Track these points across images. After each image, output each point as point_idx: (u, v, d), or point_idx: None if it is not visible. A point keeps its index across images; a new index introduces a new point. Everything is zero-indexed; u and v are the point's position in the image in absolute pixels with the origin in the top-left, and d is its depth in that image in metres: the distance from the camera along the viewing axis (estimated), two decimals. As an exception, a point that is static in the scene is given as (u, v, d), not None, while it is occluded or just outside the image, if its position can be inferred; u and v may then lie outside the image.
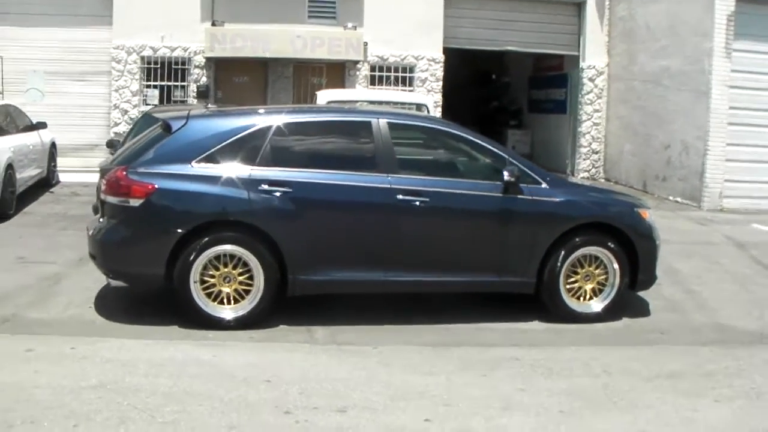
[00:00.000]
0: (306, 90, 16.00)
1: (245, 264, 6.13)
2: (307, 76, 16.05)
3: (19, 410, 4.35)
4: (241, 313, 6.12)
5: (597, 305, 6.88)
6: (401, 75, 16.78)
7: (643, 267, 6.91)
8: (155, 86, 15.27)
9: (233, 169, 6.12)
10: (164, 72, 15.30)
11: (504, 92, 23.05)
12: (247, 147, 6.20)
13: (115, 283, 6.17)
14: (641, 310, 7.29)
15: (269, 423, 4.42)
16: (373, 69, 16.52)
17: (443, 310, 6.93)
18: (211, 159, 6.12)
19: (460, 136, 6.76)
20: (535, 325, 6.75)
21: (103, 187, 6.23)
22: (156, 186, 5.96)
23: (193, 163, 6.09)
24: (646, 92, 15.83)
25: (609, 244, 6.78)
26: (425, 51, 16.73)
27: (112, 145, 10.52)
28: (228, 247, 6.08)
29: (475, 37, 17.17)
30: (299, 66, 15.87)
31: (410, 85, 16.77)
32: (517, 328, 6.67)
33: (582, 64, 17.63)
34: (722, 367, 5.87)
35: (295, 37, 14.55)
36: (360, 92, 14.30)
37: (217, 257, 6.10)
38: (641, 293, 7.39)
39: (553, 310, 6.79)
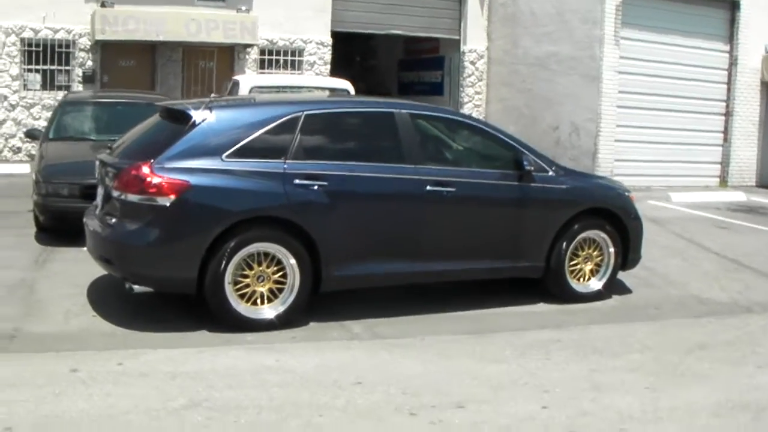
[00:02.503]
0: (196, 74, 15.30)
1: (279, 262, 5.81)
2: (196, 59, 15.32)
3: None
4: (281, 309, 5.80)
5: (596, 284, 7.17)
6: (290, 59, 16.44)
7: (633, 247, 7.30)
8: (37, 70, 13.93)
9: (266, 162, 5.76)
10: (46, 55, 14.00)
11: (370, 75, 23.17)
12: (278, 139, 5.86)
13: (139, 289, 5.62)
14: (620, 288, 7.64)
15: (407, 426, 4.25)
16: (262, 53, 16.07)
17: (447, 298, 6.92)
18: (241, 152, 5.72)
19: (476, 126, 6.81)
20: (544, 307, 6.92)
21: (117, 184, 5.65)
22: (190, 182, 5.50)
23: (224, 156, 5.67)
24: (532, 76, 16.49)
25: (606, 227, 7.08)
26: (314, 35, 16.49)
27: (33, 135, 9.58)
28: (264, 245, 5.73)
29: (362, 20, 17.17)
30: (189, 49, 15.11)
31: (299, 68, 16.50)
32: (531, 311, 6.82)
33: (463, 48, 18.07)
34: (734, 337, 6.33)
35: (189, 20, 13.83)
36: (283, 78, 13.86)
37: (250, 256, 5.74)
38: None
39: (558, 292, 7.00)
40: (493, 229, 6.63)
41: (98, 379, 4.69)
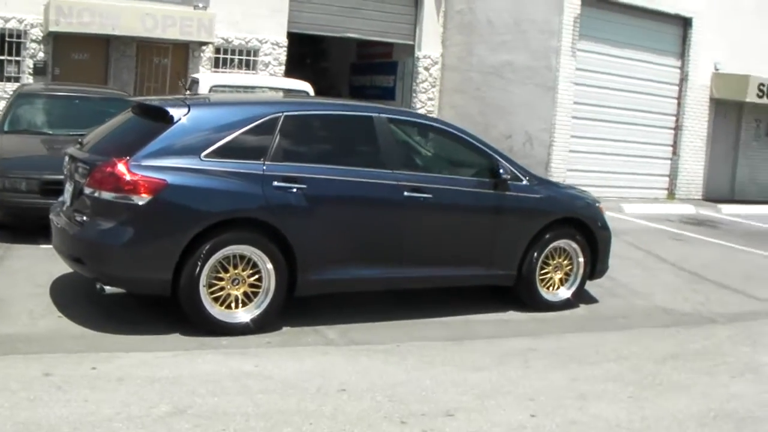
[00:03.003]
0: (151, 69, 14.93)
1: (254, 265, 5.67)
2: (151, 55, 14.95)
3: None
4: (256, 313, 5.66)
5: (565, 293, 7.21)
6: (245, 58, 16.20)
7: (602, 257, 7.38)
8: (-15, 61, 13.41)
9: (245, 163, 5.62)
10: (-5, 45, 13.49)
11: (321, 78, 23.02)
12: (257, 140, 5.72)
13: (110, 290, 5.41)
14: (587, 297, 7.70)
15: (399, 436, 4.17)
16: (218, 51, 15.78)
17: (418, 304, 6.86)
18: (220, 152, 5.56)
19: (453, 133, 6.76)
20: (515, 315, 6.94)
21: (90, 181, 5.43)
22: (167, 181, 5.32)
23: (202, 156, 5.50)
24: (486, 84, 16.60)
25: (577, 236, 7.13)
26: (270, 35, 16.28)
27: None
28: (240, 248, 5.58)
29: (317, 22, 17.02)
30: (143, 45, 14.73)
31: (254, 68, 16.26)
32: (503, 319, 6.82)
33: (417, 53, 18.09)
34: (702, 347, 6.44)
35: (145, 15, 13.47)
36: (243, 78, 13.62)
37: (226, 258, 5.58)
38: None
39: (528, 300, 7.03)
40: (469, 236, 6.61)
41: (73, 383, 4.48)
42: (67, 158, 6.07)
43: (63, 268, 6.82)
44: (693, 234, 12.53)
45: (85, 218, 5.50)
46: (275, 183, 5.64)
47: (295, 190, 5.71)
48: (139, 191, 5.25)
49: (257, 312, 5.68)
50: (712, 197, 16.89)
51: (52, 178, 7.70)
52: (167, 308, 5.83)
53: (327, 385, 4.79)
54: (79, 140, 6.25)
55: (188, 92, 12.14)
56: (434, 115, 18.21)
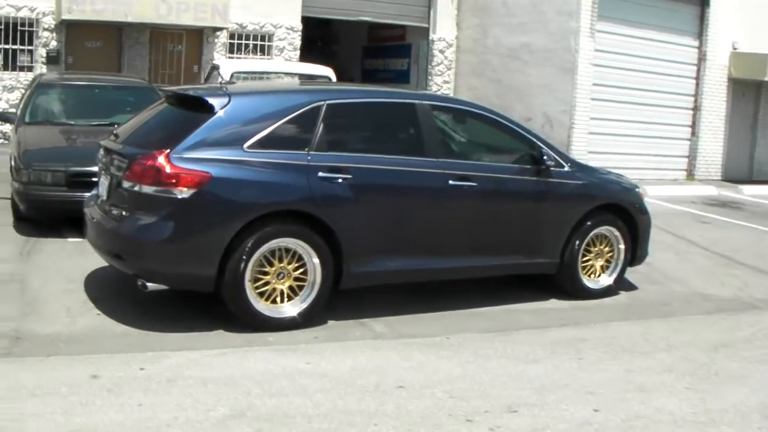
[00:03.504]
0: (164, 56, 14.75)
1: (299, 258, 5.53)
2: (164, 42, 14.75)
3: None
4: (303, 307, 5.52)
5: (607, 280, 7.07)
6: (260, 44, 16.00)
7: (642, 243, 7.23)
8: (-2, 49, 13.22)
9: (290, 153, 5.46)
10: (8, 34, 13.26)
11: (332, 62, 22.78)
12: (300, 130, 5.56)
13: (152, 287, 5.26)
14: (626, 284, 7.55)
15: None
16: (231, 37, 15.59)
17: (458, 295, 6.71)
18: (263, 143, 5.39)
19: (496, 120, 6.59)
20: (557, 304, 6.80)
21: (130, 174, 5.28)
22: (212, 174, 5.16)
23: (245, 147, 5.34)
24: (503, 66, 16.40)
25: (618, 223, 6.98)
26: (284, 19, 16.08)
27: (6, 118, 9.02)
28: (285, 240, 5.43)
29: (331, 5, 16.82)
30: (156, 32, 14.54)
31: (268, 53, 16.08)
32: (545, 308, 6.69)
33: (432, 36, 17.87)
34: (750, 334, 6.31)
35: (160, 2, 13.27)
36: (265, 63, 13.43)
37: (271, 252, 5.44)
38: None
39: (570, 288, 6.89)
40: (512, 225, 6.46)
41: (124, 386, 4.34)
42: (102, 150, 5.91)
43: (95, 262, 6.70)
44: (718, 216, 12.38)
45: (124, 213, 5.34)
46: (320, 174, 5.49)
47: (340, 180, 5.55)
48: (181, 184, 5.10)
49: (304, 306, 5.54)
50: (731, 178, 16.73)
51: (78, 170, 7.56)
52: (208, 303, 5.70)
53: (384, 382, 4.66)
54: (114, 131, 6.09)
55: (207, 80, 11.98)
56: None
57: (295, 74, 11.06)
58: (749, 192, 15.38)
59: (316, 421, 4.05)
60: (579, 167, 6.92)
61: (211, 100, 5.41)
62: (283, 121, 5.50)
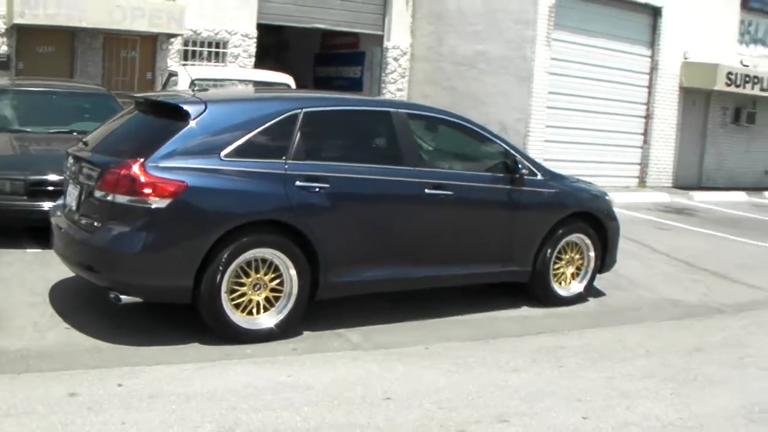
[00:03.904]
0: (118, 63, 14.41)
1: (276, 268, 5.42)
2: (118, 48, 14.42)
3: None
4: (280, 318, 5.40)
5: (577, 287, 7.11)
6: (215, 50, 15.77)
7: (611, 250, 7.30)
8: (-55, 54, 12.74)
9: (267, 162, 5.35)
10: (-46, 38, 12.83)
11: (284, 69, 22.60)
12: (277, 138, 5.45)
13: (126, 299, 5.08)
14: (594, 291, 7.60)
15: (464, 448, 3.99)
16: (186, 43, 15.32)
17: (429, 303, 6.65)
18: (240, 152, 5.27)
19: (470, 128, 6.58)
20: (530, 311, 6.81)
21: (102, 184, 5.10)
22: (188, 183, 5.01)
23: (222, 156, 5.21)
24: (458, 74, 16.45)
25: (589, 230, 7.03)
26: (239, 26, 15.88)
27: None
28: (262, 251, 5.31)
29: (286, 13, 16.65)
30: (110, 37, 14.19)
31: (223, 60, 15.85)
32: (519, 316, 6.69)
33: (386, 43, 17.85)
34: (722, 339, 6.41)
35: (114, 7, 12.95)
36: (224, 71, 13.20)
37: (247, 263, 5.31)
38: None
39: (542, 296, 6.91)
40: (487, 233, 6.46)
41: (104, 404, 4.17)
42: (70, 159, 5.70)
43: (58, 273, 6.50)
44: (675, 223, 12.60)
45: (95, 223, 5.16)
46: (298, 183, 5.39)
47: (317, 189, 5.46)
48: (157, 194, 4.94)
49: (281, 317, 5.43)
50: (681, 185, 17.08)
51: (38, 178, 7.31)
52: (181, 315, 5.55)
53: (370, 394, 4.57)
54: (83, 139, 5.88)
55: (164, 87, 11.74)
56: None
57: (256, 81, 10.90)
58: (699, 198, 15.72)
59: (308, 437, 3.95)
60: (551, 176, 6.95)
61: (186, 108, 5.27)
62: (260, 130, 5.39)
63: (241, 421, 4.07)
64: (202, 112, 5.26)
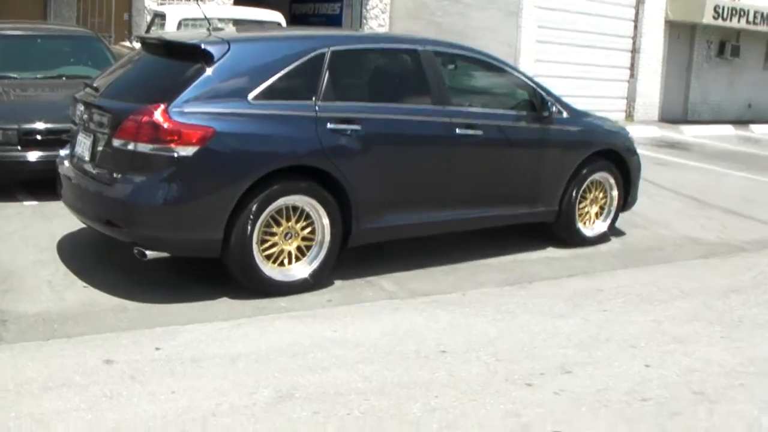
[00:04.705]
0: (93, 4, 13.68)
1: (307, 216, 5.11)
2: (92, -11, 13.69)
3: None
4: (313, 268, 5.12)
5: (601, 226, 6.94)
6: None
7: (633, 188, 7.11)
8: None
9: (297, 104, 4.99)
10: None
11: (258, 6, 21.87)
12: (305, 78, 5.07)
13: (151, 255, 4.75)
14: (614, 230, 7.43)
15: (536, 399, 3.77)
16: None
17: (457, 247, 6.42)
18: (268, 94, 4.89)
19: (497, 65, 6.26)
20: (556, 252, 6.63)
21: (122, 132, 4.70)
22: (216, 129, 4.64)
23: (250, 98, 4.84)
24: (442, 9, 15.97)
25: (613, 168, 6.83)
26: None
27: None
28: (293, 198, 4.99)
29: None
30: (82, -23, 13.46)
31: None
32: (547, 257, 6.51)
33: (368, -21, 17.26)
34: (753, 278, 6.28)
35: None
36: (212, 9, 12.53)
37: (278, 211, 5.00)
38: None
39: (567, 236, 6.72)
40: (516, 173, 6.21)
41: (146, 371, 3.86)
42: (80, 105, 5.26)
43: (61, 227, 6.17)
44: (671, 158, 12.48)
45: (114, 174, 4.77)
46: (329, 125, 5.04)
47: (349, 132, 5.13)
48: (184, 141, 4.56)
49: (314, 266, 5.14)
50: (667, 119, 16.95)
51: (31, 127, 6.85)
52: (198, 268, 5.26)
53: (424, 348, 4.34)
54: (91, 84, 5.44)
55: (149, 29, 11.15)
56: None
57: (245, 20, 10.37)
58: (689, 133, 15.62)
59: (374, 398, 3.70)
60: (575, 113, 6.69)
61: (209, 48, 4.85)
62: (288, 70, 5.00)
63: (298, 384, 3.81)
64: (225, 53, 4.86)
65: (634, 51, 16.37)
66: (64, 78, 7.90)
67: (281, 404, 3.59)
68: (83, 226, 6.00)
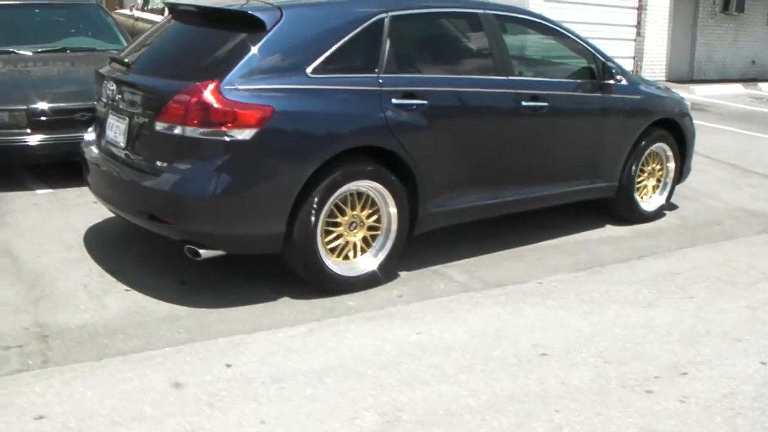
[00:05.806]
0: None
1: (373, 203, 4.61)
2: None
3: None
4: (380, 260, 4.65)
5: (659, 200, 6.53)
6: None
7: (688, 159, 6.70)
8: None
9: (360, 78, 4.45)
10: None
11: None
12: (366, 47, 4.53)
13: (206, 254, 4.22)
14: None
15: (659, 409, 3.36)
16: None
17: (514, 229, 5.95)
18: (328, 66, 4.34)
19: (557, 30, 5.75)
20: (616, 230, 6.19)
21: (165, 114, 4.14)
22: (275, 108, 4.10)
23: (309, 72, 4.29)
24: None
25: (670, 139, 6.39)
26: None
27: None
28: (358, 183, 4.48)
29: None
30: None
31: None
32: (609, 236, 6.07)
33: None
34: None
35: None
36: None
37: (343, 199, 4.49)
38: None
39: (626, 212, 6.30)
40: (579, 147, 5.74)
41: (223, 396, 3.37)
42: (109, 83, 4.67)
43: (84, 219, 5.68)
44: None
45: (158, 163, 4.21)
46: (394, 100, 4.52)
47: (415, 107, 4.60)
48: (239, 123, 4.02)
49: (381, 258, 4.66)
50: (673, 78, 16.51)
51: (41, 107, 6.24)
52: (240, 263, 4.79)
53: (521, 351, 3.91)
54: (118, 59, 4.84)
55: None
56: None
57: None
58: (700, 92, 15.22)
59: (490, 416, 3.26)
60: (635, 81, 6.22)
61: (260, 16, 4.29)
62: (347, 39, 4.45)
63: (400, 403, 3.35)
64: (278, 20, 4.29)
65: (641, 8, 15.85)
66: (68, 51, 7.26)
67: (391, 431, 3.13)
68: (107, 216, 5.50)
